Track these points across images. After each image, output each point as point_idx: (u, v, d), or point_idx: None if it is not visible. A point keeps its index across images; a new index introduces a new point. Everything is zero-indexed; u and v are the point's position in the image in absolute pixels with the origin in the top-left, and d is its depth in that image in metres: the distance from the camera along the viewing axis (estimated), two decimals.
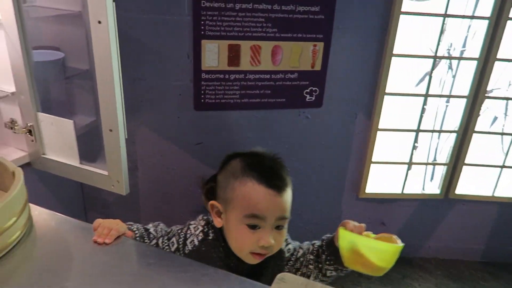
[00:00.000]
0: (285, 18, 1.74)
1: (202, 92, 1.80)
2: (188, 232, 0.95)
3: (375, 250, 0.80)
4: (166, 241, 0.95)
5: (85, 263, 0.75)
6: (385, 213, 2.24)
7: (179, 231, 0.96)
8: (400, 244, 0.81)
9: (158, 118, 1.86)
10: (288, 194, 0.87)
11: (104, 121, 1.35)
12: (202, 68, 1.75)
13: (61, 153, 1.52)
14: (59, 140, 1.49)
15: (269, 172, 0.86)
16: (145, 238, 0.94)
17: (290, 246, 0.97)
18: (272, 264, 0.93)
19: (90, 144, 1.63)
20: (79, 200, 2.06)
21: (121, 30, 1.25)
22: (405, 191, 2.18)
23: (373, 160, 2.07)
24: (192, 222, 0.98)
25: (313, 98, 1.91)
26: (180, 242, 0.94)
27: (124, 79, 1.32)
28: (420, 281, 2.18)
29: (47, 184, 1.72)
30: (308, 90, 1.90)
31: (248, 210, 0.85)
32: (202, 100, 1.82)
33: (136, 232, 0.92)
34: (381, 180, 2.18)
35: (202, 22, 1.68)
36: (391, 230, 2.26)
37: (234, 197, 0.87)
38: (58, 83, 1.70)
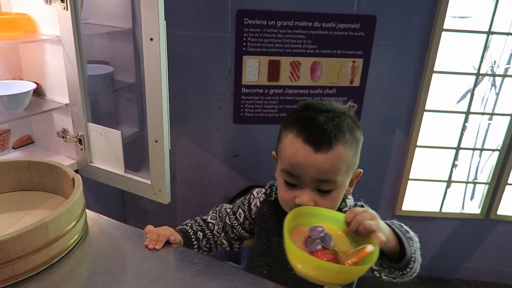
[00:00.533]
0: (325, 35, 1.77)
1: (242, 106, 1.85)
2: (251, 197, 0.96)
3: (292, 252, 0.64)
4: (232, 216, 0.97)
5: (137, 268, 0.79)
6: (422, 231, 2.19)
7: (242, 200, 0.97)
8: (349, 265, 0.62)
9: (198, 130, 1.92)
10: (333, 155, 0.75)
11: (150, 132, 1.41)
12: (243, 82, 1.81)
13: (107, 161, 1.59)
14: (106, 149, 1.56)
15: (310, 127, 0.76)
16: (205, 230, 0.96)
17: None
18: None
19: (133, 154, 1.69)
20: (119, 207, 2.14)
21: (169, 46, 1.32)
22: (443, 210, 2.13)
23: (410, 177, 2.05)
24: (256, 189, 0.97)
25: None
26: (246, 210, 0.95)
27: (169, 93, 1.38)
28: None
29: (90, 192, 1.80)
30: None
31: (284, 164, 0.79)
32: (241, 114, 1.87)
33: (190, 231, 0.94)
34: (418, 198, 2.14)
35: (244, 39, 1.73)
36: (429, 249, 2.23)
37: (279, 149, 0.83)
38: (106, 95, 1.79)
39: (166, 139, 1.41)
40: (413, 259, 0.73)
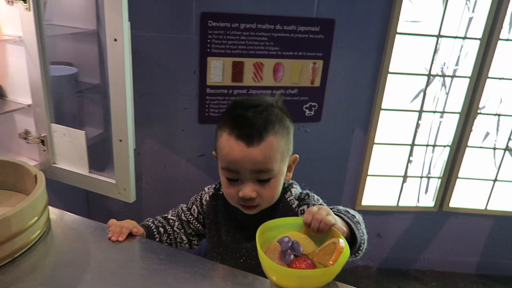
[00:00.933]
0: (286, 37, 1.84)
1: (207, 106, 1.89)
2: (203, 193, 1.01)
3: (275, 272, 0.67)
4: (187, 212, 1.02)
5: (101, 258, 0.82)
6: (381, 225, 2.30)
7: (196, 196, 1.02)
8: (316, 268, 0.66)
9: (164, 131, 1.94)
10: (265, 146, 0.80)
11: (114, 132, 1.43)
12: (207, 83, 1.85)
13: (71, 162, 1.59)
14: (70, 150, 1.57)
15: (240, 123, 0.81)
16: (166, 226, 1.01)
17: (305, 207, 0.91)
18: None
19: (98, 155, 1.70)
20: (84, 210, 2.12)
21: (134, 47, 1.34)
22: (400, 204, 2.25)
23: (369, 173, 2.15)
24: (209, 185, 1.03)
25: (312, 113, 2.00)
26: (198, 205, 1.00)
27: (134, 94, 1.40)
28: None
29: (54, 195, 1.79)
30: (307, 105, 1.98)
31: (222, 162, 0.84)
32: (206, 114, 1.91)
33: (152, 225, 0.98)
34: (377, 193, 2.25)
35: (209, 41, 1.78)
36: (387, 242, 2.34)
37: (217, 148, 0.87)
38: (70, 96, 1.79)
39: (131, 138, 1.43)
40: (363, 241, 0.79)
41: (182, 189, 2.05)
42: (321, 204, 0.91)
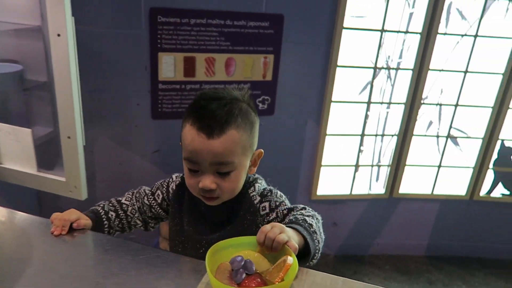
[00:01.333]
0: (237, 32, 1.87)
1: (159, 101, 1.89)
2: (170, 180, 1.01)
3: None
4: (151, 196, 1.01)
5: (45, 252, 0.82)
6: (336, 213, 2.39)
7: (162, 182, 1.02)
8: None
9: (116, 128, 1.92)
10: (226, 139, 0.81)
11: (62, 129, 1.41)
12: (159, 79, 1.85)
13: (18, 161, 1.55)
14: (16, 149, 1.53)
15: (203, 115, 0.81)
16: (118, 210, 1.00)
17: (266, 204, 0.92)
18: (241, 215, 0.92)
19: (47, 154, 1.66)
20: (36, 210, 2.06)
21: (81, 43, 1.33)
22: (353, 192, 2.34)
23: (323, 163, 2.22)
24: (176, 173, 1.02)
25: (266, 106, 2.05)
26: (164, 192, 1.00)
27: (84, 90, 1.39)
28: (370, 276, 2.34)
29: (3, 195, 1.73)
30: (260, 99, 2.03)
31: (185, 153, 0.85)
32: (159, 109, 1.91)
33: (101, 211, 0.97)
34: (331, 183, 2.33)
35: (159, 36, 1.78)
36: (343, 230, 2.42)
37: (181, 139, 0.88)
38: (16, 94, 1.74)
39: (79, 135, 1.42)
40: (317, 250, 0.81)
41: (137, 185, 2.02)
42: (282, 202, 0.92)
